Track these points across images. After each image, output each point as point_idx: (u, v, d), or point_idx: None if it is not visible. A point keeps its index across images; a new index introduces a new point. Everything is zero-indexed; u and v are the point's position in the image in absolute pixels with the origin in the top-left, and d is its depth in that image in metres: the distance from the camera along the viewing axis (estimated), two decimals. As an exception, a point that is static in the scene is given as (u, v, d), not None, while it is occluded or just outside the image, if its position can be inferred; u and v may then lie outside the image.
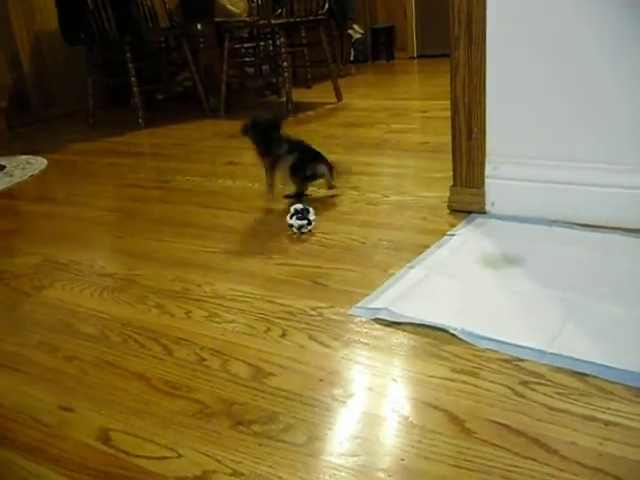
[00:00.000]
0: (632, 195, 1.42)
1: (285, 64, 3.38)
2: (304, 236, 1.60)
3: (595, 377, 0.92)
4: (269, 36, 4.27)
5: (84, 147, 3.18)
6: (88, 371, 1.08)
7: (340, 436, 0.87)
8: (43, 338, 1.21)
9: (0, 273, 1.57)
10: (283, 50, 3.36)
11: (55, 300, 1.38)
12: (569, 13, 1.40)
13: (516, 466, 0.77)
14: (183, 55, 3.73)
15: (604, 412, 0.84)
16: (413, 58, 5.83)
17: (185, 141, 3.07)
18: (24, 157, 2.94)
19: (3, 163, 2.84)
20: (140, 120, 3.48)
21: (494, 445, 0.81)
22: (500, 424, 0.84)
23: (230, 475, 0.80)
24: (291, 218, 1.60)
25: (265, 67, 4.61)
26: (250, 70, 4.50)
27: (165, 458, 0.84)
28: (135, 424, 0.92)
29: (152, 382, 1.02)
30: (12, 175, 2.62)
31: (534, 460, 0.77)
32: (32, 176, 2.60)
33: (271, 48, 4.39)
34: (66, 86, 4.13)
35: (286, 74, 3.40)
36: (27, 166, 2.76)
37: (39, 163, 2.81)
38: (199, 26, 4.09)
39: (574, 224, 1.48)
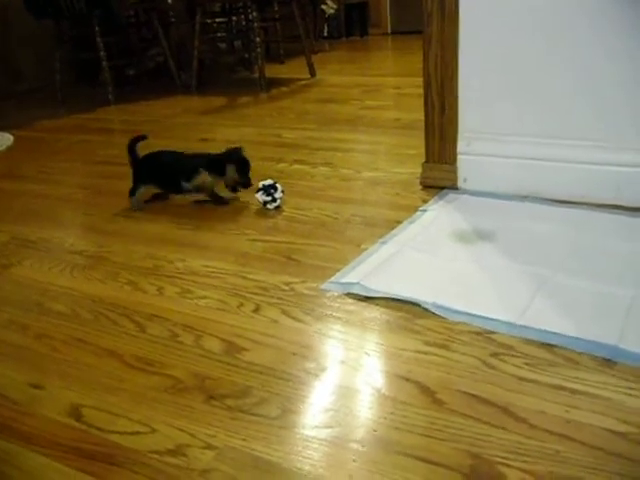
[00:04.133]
0: (603, 171, 1.44)
1: (258, 39, 3.33)
2: (277, 212, 1.59)
3: (563, 348, 0.94)
4: (241, 10, 4.20)
5: (52, 123, 3.11)
6: (59, 349, 1.07)
7: (313, 409, 0.87)
8: (12, 317, 1.19)
9: (-34, 251, 1.54)
10: (255, 25, 3.32)
11: (24, 278, 1.36)
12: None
13: (486, 434, 0.78)
14: (154, 30, 3.66)
15: (571, 381, 0.86)
16: (387, 34, 5.80)
17: (156, 117, 3.02)
18: (-10, 133, 2.87)
19: (-32, 139, 2.76)
20: (110, 96, 3.42)
21: (464, 415, 0.82)
22: (470, 394, 0.86)
23: (204, 448, 0.80)
24: (257, 193, 1.59)
25: (237, 42, 4.55)
26: (222, 45, 4.44)
27: (138, 433, 0.84)
28: (107, 400, 0.91)
29: (124, 358, 1.01)
30: (-23, 152, 2.55)
31: (503, 429, 0.79)
32: (-1, 153, 2.54)
33: (244, 23, 4.33)
34: (33, 61, 4.02)
35: (259, 49, 3.36)
36: (-7, 142, 2.69)
37: (5, 139, 2.74)
38: (170, 0, 4.00)
39: (546, 200, 1.50)
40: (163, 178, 1.72)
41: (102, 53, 3.33)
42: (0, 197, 2.00)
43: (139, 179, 1.73)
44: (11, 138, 2.76)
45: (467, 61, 1.53)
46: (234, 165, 1.65)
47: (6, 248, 1.53)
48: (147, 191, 1.75)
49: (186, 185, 1.67)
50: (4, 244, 1.56)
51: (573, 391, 0.84)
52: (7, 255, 1.49)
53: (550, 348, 0.94)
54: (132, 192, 1.73)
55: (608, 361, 0.90)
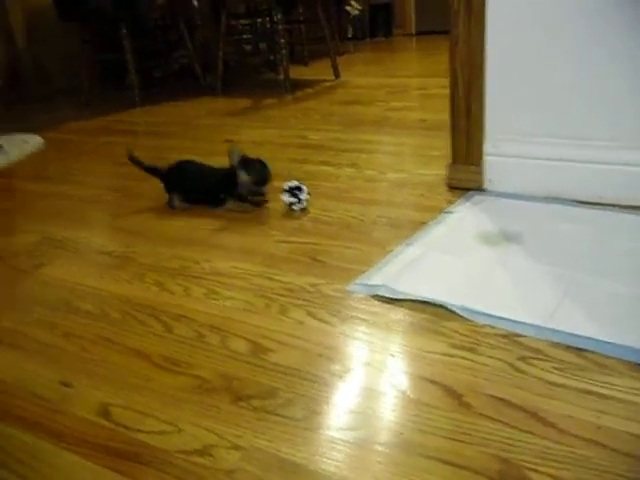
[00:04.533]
0: (631, 172, 1.42)
1: (282, 41, 3.34)
2: (302, 213, 1.60)
3: (592, 352, 0.92)
4: (266, 12, 4.22)
5: (80, 125, 3.16)
6: (87, 348, 1.08)
7: (339, 410, 0.87)
8: (42, 316, 1.21)
9: (-2, 251, 1.57)
10: (280, 27, 3.33)
11: (53, 278, 1.38)
12: (570, -13, 1.39)
13: (513, 439, 0.77)
14: (180, 32, 3.70)
15: (601, 386, 0.85)
16: (412, 35, 5.78)
17: (182, 119, 3.05)
18: (20, 136, 2.92)
19: (0, 142, 2.82)
20: (136, 98, 3.46)
21: (491, 418, 0.81)
22: (498, 398, 0.85)
23: (230, 449, 0.80)
24: (283, 195, 1.60)
25: (262, 44, 4.57)
26: (247, 47, 4.46)
27: (165, 433, 0.85)
28: (135, 399, 0.92)
29: (152, 358, 1.02)
30: (8, 154, 2.60)
31: (532, 433, 0.78)
32: (29, 155, 2.59)
33: (268, 25, 4.34)
34: (61, 63, 4.09)
35: (283, 51, 3.37)
36: (23, 145, 2.74)
37: (35, 142, 2.79)
38: (196, 2, 4.04)
39: (573, 201, 1.48)
40: (196, 192, 1.73)
41: (129, 56, 3.37)
42: (29, 198, 2.03)
43: (172, 188, 1.75)
44: (41, 140, 2.81)
45: (494, 62, 1.52)
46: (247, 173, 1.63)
47: (36, 249, 1.56)
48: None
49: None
50: (34, 244, 1.58)
51: (603, 396, 0.83)
52: (37, 255, 1.51)
53: (579, 352, 0.93)
54: (170, 202, 1.75)
55: (639, 366, 0.88)
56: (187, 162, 1.77)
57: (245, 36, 4.34)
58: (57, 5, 3.44)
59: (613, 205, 1.42)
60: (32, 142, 2.78)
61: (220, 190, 1.67)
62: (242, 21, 4.22)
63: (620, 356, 0.90)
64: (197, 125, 2.91)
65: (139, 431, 0.85)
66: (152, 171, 1.79)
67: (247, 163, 1.64)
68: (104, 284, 1.32)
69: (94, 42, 3.70)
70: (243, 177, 1.63)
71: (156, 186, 1.77)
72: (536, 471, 0.72)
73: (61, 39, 4.01)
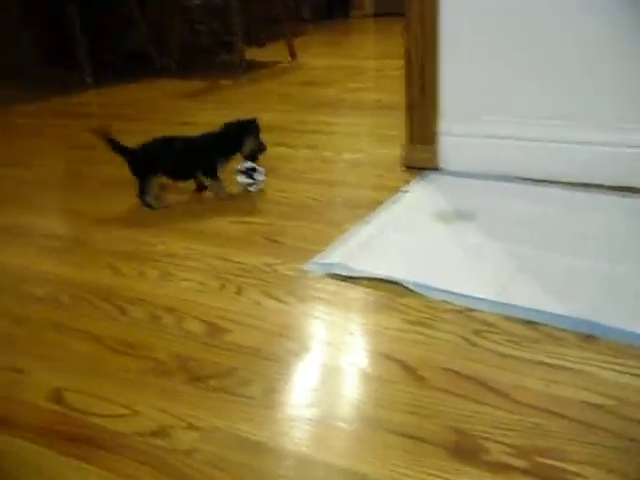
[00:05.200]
0: (582, 150, 1.45)
1: (237, 20, 3.29)
2: (259, 194, 1.59)
3: (544, 325, 0.95)
4: (220, -8, 4.13)
5: (28, 108, 3.05)
6: (38, 333, 1.05)
7: (298, 389, 0.87)
8: (-9, 302, 1.17)
9: (-58, 237, 1.51)
10: (234, 6, 3.27)
11: (3, 264, 1.34)
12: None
13: (468, 410, 0.79)
14: (132, 11, 3.59)
15: (552, 357, 0.87)
16: (369, 16, 5.77)
17: (135, 101, 2.98)
18: (-36, 118, 2.81)
19: (-59, 125, 2.70)
20: (87, 78, 3.36)
21: (447, 391, 0.83)
22: (453, 371, 0.86)
23: (187, 429, 0.79)
24: (238, 176, 1.58)
25: (217, 25, 4.48)
26: (202, 28, 4.37)
27: (121, 416, 0.83)
28: (89, 383, 0.90)
29: (106, 342, 1.00)
30: (-48, 137, 2.50)
31: (486, 404, 0.80)
32: (-27, 138, 2.49)
33: (223, 5, 4.26)
34: (3, 42, 3.93)
35: (238, 32, 3.32)
36: (-32, 127, 2.64)
37: (-20, 124, 2.69)
38: (147, -19, 3.94)
39: (525, 179, 1.50)
40: (179, 166, 1.59)
41: (78, 33, 3.26)
42: (-24, 182, 1.96)
43: (147, 171, 1.56)
44: (-14, 123, 2.70)
45: (448, 42, 1.53)
46: (252, 136, 1.58)
47: (-17, 234, 1.50)
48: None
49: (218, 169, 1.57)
50: (-19, 230, 1.53)
51: (554, 366, 0.85)
52: (-16, 241, 1.46)
53: (532, 325, 0.95)
54: (142, 190, 1.55)
55: (589, 337, 0.91)
56: (165, 137, 1.61)
57: (199, 16, 4.25)
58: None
59: (564, 183, 1.46)
60: (-23, 125, 2.68)
61: (217, 153, 1.57)
62: (196, 1, 4.12)
63: (571, 327, 0.93)
64: (152, 107, 2.85)
65: (94, 415, 0.84)
66: (122, 151, 1.57)
67: (244, 123, 1.58)
68: (55, 269, 1.29)
69: (40, 20, 3.57)
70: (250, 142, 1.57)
71: (109, 169, 1.73)
72: (491, 440, 0.74)
73: (3, 16, 3.85)
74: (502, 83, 1.50)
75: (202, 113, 2.62)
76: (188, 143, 1.59)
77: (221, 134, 1.58)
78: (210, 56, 4.18)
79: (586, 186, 1.42)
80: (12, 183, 1.89)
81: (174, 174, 1.60)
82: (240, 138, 1.57)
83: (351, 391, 0.86)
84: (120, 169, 1.86)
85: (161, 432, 0.79)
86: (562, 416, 0.76)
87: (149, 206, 1.55)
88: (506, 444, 0.73)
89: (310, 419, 0.80)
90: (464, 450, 0.73)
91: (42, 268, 1.29)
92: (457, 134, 1.59)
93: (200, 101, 2.90)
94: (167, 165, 1.57)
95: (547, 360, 0.87)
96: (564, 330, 0.93)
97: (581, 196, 1.39)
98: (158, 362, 0.94)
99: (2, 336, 1.06)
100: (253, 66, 3.49)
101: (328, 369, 0.91)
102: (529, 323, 0.95)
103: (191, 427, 0.80)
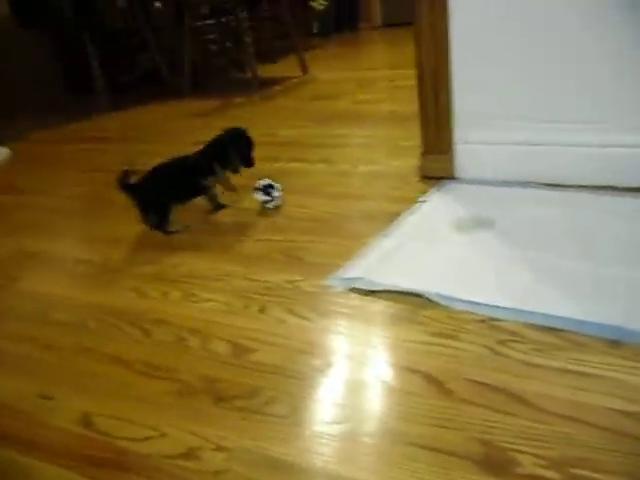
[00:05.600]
0: (599, 153, 1.44)
1: (248, 40, 3.33)
2: (276, 211, 1.60)
3: (569, 332, 0.94)
4: (230, 11, 4.18)
5: (48, 134, 3.11)
6: (66, 358, 1.07)
7: (323, 405, 0.88)
8: (19, 329, 1.20)
9: (-30, 266, 1.54)
10: (245, 25, 3.31)
11: (29, 290, 1.36)
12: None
13: (496, 421, 0.78)
14: (144, 35, 3.65)
15: (578, 364, 0.87)
16: (377, 28, 5.79)
17: (151, 123, 3.03)
18: (-14, 148, 2.87)
19: (-35, 155, 2.76)
20: (104, 104, 3.42)
21: (473, 403, 0.82)
22: (478, 382, 0.86)
23: (215, 450, 0.80)
24: (255, 193, 1.60)
25: (229, 44, 4.54)
26: (213, 47, 4.43)
27: (149, 438, 0.84)
28: (117, 407, 0.91)
29: (132, 365, 1.02)
30: (-25, 167, 2.55)
31: (513, 415, 0.79)
32: (-4, 167, 2.54)
33: (233, 24, 4.31)
34: (23, 72, 4.01)
35: (250, 50, 3.35)
36: (-10, 157, 2.69)
37: (2, 153, 2.74)
38: (158, 4, 4.00)
39: (543, 184, 1.49)
40: (183, 187, 1.60)
41: (94, 61, 3.32)
42: (1, 210, 2.00)
43: (158, 202, 1.55)
44: (8, 151, 2.76)
45: (459, 50, 1.53)
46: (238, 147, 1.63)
47: (10, 261, 1.53)
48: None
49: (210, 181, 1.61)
50: (8, 258, 1.56)
51: (580, 374, 0.85)
52: (11, 268, 1.49)
53: (556, 332, 0.94)
54: (162, 221, 1.54)
55: (614, 342, 0.90)
56: (161, 165, 1.61)
57: (211, 36, 4.31)
58: (16, 13, 3.38)
59: (583, 186, 1.44)
60: (-1, 154, 2.73)
61: (205, 173, 1.60)
62: (207, 21, 4.18)
63: (595, 333, 0.92)
64: (166, 128, 2.89)
65: (123, 438, 0.85)
66: (130, 189, 1.55)
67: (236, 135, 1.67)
68: (80, 293, 1.31)
69: (56, 49, 3.64)
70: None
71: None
72: (519, 451, 0.73)
73: (22, 46, 3.93)
74: (516, 88, 1.50)
75: (216, 131, 2.64)
76: (182, 163, 1.62)
77: (209, 149, 1.64)
78: (223, 75, 4.23)
79: (607, 189, 1.41)
80: (35, 210, 1.93)
81: (182, 197, 1.60)
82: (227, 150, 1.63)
83: (376, 405, 0.86)
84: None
85: (189, 454, 0.80)
86: (591, 425, 0.76)
87: (170, 233, 1.55)
88: (537, 455, 0.72)
89: (336, 435, 0.81)
90: (494, 462, 0.73)
91: (68, 294, 1.31)
92: (473, 142, 1.59)
93: (213, 119, 2.93)
94: (174, 191, 1.58)
95: (573, 367, 0.86)
96: (589, 336, 0.92)
97: (602, 200, 1.38)
98: (184, 384, 0.95)
99: (32, 362, 1.08)
100: (266, 83, 3.52)
101: (352, 384, 0.91)
102: (553, 330, 0.95)
103: (219, 448, 0.80)
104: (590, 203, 1.37)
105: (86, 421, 0.89)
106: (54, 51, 3.61)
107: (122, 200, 1.83)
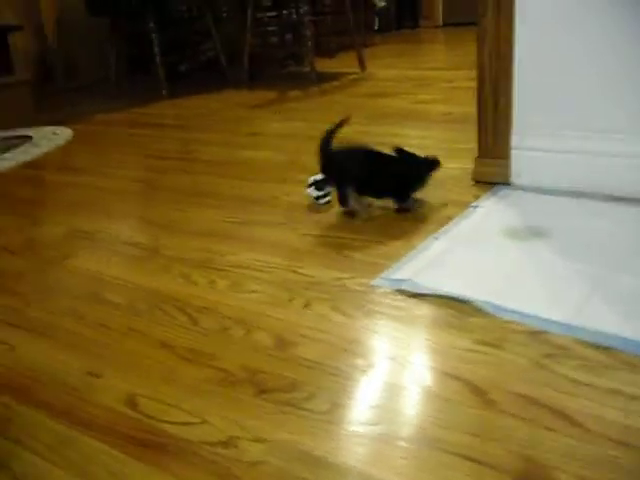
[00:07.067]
0: (663, 167, 1.39)
1: (308, 33, 3.34)
2: (327, 207, 1.60)
3: (620, 350, 0.91)
4: (292, 5, 4.21)
5: (108, 118, 3.20)
6: (115, 338, 1.10)
7: (361, 405, 0.87)
8: (71, 306, 1.23)
9: (28, 242, 1.60)
10: (306, 19, 3.32)
11: (82, 268, 1.40)
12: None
13: (539, 437, 0.77)
14: (206, 24, 3.71)
15: (629, 385, 0.84)
16: (439, 27, 5.72)
17: (208, 111, 3.07)
18: (49, 128, 2.97)
19: (30, 134, 2.87)
20: (163, 91, 3.49)
21: (516, 416, 0.81)
22: (522, 396, 0.84)
23: (253, 441, 0.81)
24: (308, 188, 1.60)
25: (288, 37, 4.56)
26: (273, 40, 4.46)
27: (190, 424, 0.86)
28: (161, 390, 0.93)
29: (177, 350, 1.04)
30: (39, 146, 2.64)
31: (557, 432, 0.77)
32: (58, 147, 2.63)
33: (294, 17, 4.34)
34: (89, 57, 4.14)
35: (309, 43, 3.36)
36: (53, 137, 2.79)
37: (64, 134, 2.83)
38: (222, -5, 4.05)
39: (601, 196, 1.45)
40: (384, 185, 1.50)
41: (156, 49, 3.39)
42: (57, 189, 2.07)
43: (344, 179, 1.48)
44: (70, 132, 2.85)
45: (523, 54, 1.50)
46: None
47: (64, 239, 1.58)
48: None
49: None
50: (62, 236, 1.61)
51: (631, 396, 0.82)
52: (65, 246, 1.54)
53: (606, 350, 0.91)
54: (345, 196, 1.48)
55: (669, 365, 0.87)
56: (364, 149, 1.53)
57: (271, 28, 4.34)
58: (87, 0, 3.48)
59: (644, 201, 1.40)
60: (61, 134, 2.83)
61: (408, 183, 1.51)
62: (268, 13, 4.21)
63: (649, 355, 0.89)
64: (223, 117, 2.92)
65: (165, 422, 0.87)
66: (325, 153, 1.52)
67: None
68: (131, 275, 1.34)
69: (122, 36, 3.74)
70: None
71: (183, 178, 1.78)
72: (561, 470, 0.71)
73: (89, 33, 4.05)
74: (577, 97, 1.46)
75: (272, 124, 2.67)
76: (385, 160, 1.50)
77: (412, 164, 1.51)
78: (281, 67, 4.26)
79: (668, 205, 1.36)
80: (93, 190, 1.99)
81: (366, 189, 1.50)
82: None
83: (414, 410, 0.86)
84: (194, 180, 1.93)
85: (228, 442, 0.81)
86: (640, 449, 0.73)
87: (352, 213, 1.48)
88: (579, 476, 0.70)
89: (372, 436, 0.80)
90: (533, 479, 0.71)
91: (119, 274, 1.35)
92: (530, 148, 1.55)
93: (270, 111, 2.95)
94: (364, 178, 1.48)
95: (624, 389, 0.83)
96: (642, 357, 0.89)
97: (663, 215, 1.33)
98: (227, 373, 0.96)
99: (81, 339, 1.11)
100: (323, 77, 3.52)
101: (392, 386, 0.90)
102: (604, 348, 0.92)
103: (257, 439, 0.81)
104: (651, 219, 1.33)
105: (131, 402, 0.91)
106: (121, 38, 3.70)
107: (177, 186, 1.86)
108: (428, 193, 1.64)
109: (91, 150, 2.58)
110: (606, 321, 0.98)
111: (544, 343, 0.95)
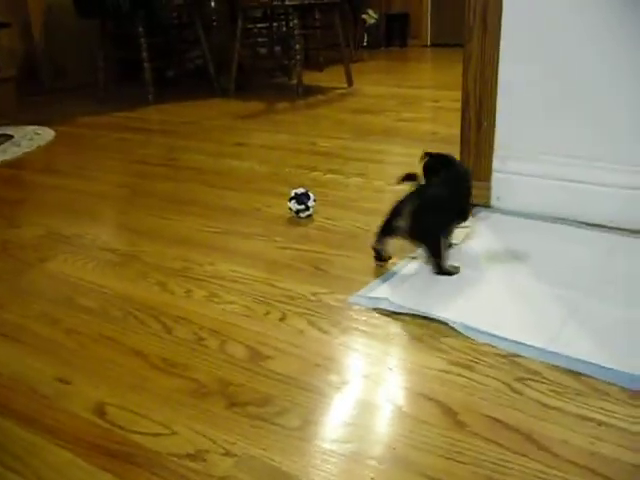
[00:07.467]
0: (637, 195, 1.41)
1: (297, 46, 3.35)
2: (308, 220, 1.60)
3: (591, 377, 0.92)
4: (283, 17, 4.23)
5: (92, 120, 3.17)
6: (86, 345, 1.08)
7: (334, 422, 0.87)
8: (44, 310, 1.22)
9: (4, 243, 1.58)
10: (296, 32, 3.34)
11: (57, 272, 1.39)
12: (590, 11, 1.38)
13: (507, 461, 0.77)
14: (195, 32, 3.71)
15: (598, 412, 0.85)
16: (426, 46, 5.79)
17: (194, 119, 3.06)
18: (32, 127, 2.94)
19: (11, 133, 2.83)
20: (150, 96, 3.47)
21: (486, 439, 0.81)
22: (493, 418, 0.85)
23: (223, 455, 0.80)
24: (290, 201, 1.60)
25: (277, 48, 4.58)
26: (262, 51, 4.47)
27: (159, 435, 0.85)
28: (131, 399, 0.92)
29: (150, 359, 1.03)
30: (19, 145, 2.62)
31: (525, 456, 0.78)
32: (39, 147, 2.60)
33: (284, 29, 4.36)
34: (77, 59, 4.11)
35: (298, 56, 3.38)
36: (35, 137, 2.76)
37: (47, 134, 2.81)
38: (213, 3, 4.06)
39: (579, 222, 1.47)
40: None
41: (144, 54, 3.38)
42: (38, 191, 2.04)
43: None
44: (52, 133, 2.82)
45: (507, 79, 1.52)
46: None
47: (42, 242, 1.56)
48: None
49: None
50: (41, 237, 1.59)
51: (599, 422, 0.83)
52: (43, 249, 1.52)
53: (578, 376, 0.92)
54: (439, 251, 1.24)
55: (637, 394, 0.88)
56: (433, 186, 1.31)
57: (260, 39, 4.35)
58: (76, 2, 3.46)
59: (619, 229, 1.42)
60: (43, 134, 2.80)
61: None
62: (258, 24, 4.23)
63: (620, 383, 0.90)
64: (209, 126, 2.92)
65: (133, 432, 0.85)
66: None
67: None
68: (107, 281, 1.32)
69: (111, 39, 3.72)
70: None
71: (165, 185, 1.77)
72: (528, 495, 0.72)
73: (78, 35, 4.03)
74: (561, 124, 1.48)
75: (257, 134, 2.67)
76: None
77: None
78: (268, 78, 4.27)
79: (643, 234, 1.39)
80: (73, 193, 1.97)
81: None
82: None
83: (386, 429, 0.86)
84: (177, 187, 1.91)
85: (197, 456, 0.80)
86: (606, 477, 0.74)
87: (450, 273, 1.25)
88: (545, 501, 0.71)
89: (343, 454, 0.80)
90: (500, 503, 0.71)
91: (94, 279, 1.33)
92: (512, 172, 1.57)
93: (256, 122, 2.96)
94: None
95: (593, 415, 0.84)
96: (612, 385, 0.90)
97: (636, 242, 1.35)
98: (199, 384, 0.95)
99: (51, 345, 1.09)
100: (310, 91, 3.54)
101: (365, 404, 0.90)
102: (575, 374, 0.93)
103: (227, 453, 0.80)
104: (628, 246, 1.35)
105: (100, 410, 0.90)
106: (109, 41, 3.68)
107: (158, 193, 1.85)
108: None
109: (73, 152, 2.55)
110: (579, 348, 0.99)
111: (516, 367, 0.96)
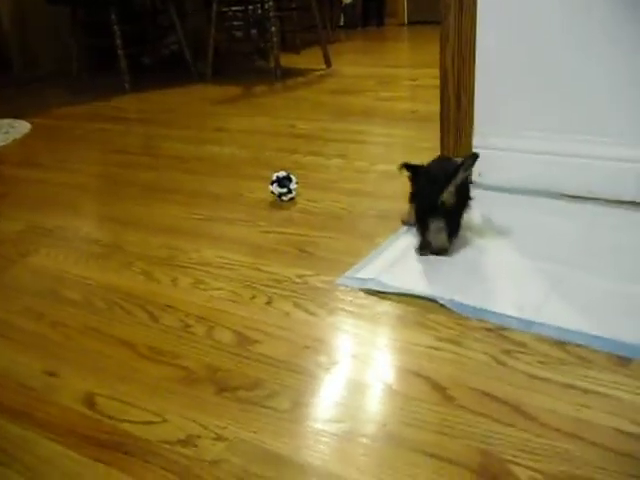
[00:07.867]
0: (617, 167, 1.42)
1: (273, 29, 3.32)
2: (290, 204, 1.60)
3: (577, 346, 0.93)
4: (258, 0, 4.18)
5: (68, 111, 3.12)
6: (73, 337, 1.08)
7: (324, 403, 0.88)
8: (28, 304, 1.20)
9: (-16, 238, 1.56)
10: (271, 14, 3.30)
11: (40, 266, 1.37)
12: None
13: (496, 432, 0.78)
14: (170, 18, 3.65)
15: (583, 380, 0.86)
16: (404, 25, 5.76)
17: (172, 106, 3.03)
18: (6, 120, 2.89)
19: (-15, 126, 2.78)
20: (126, 84, 3.43)
21: (474, 412, 0.82)
22: (481, 391, 0.86)
23: (214, 440, 0.80)
24: (272, 185, 1.59)
25: (254, 31, 4.53)
26: (238, 34, 4.42)
27: (150, 423, 0.85)
28: (120, 389, 0.92)
29: (137, 348, 1.02)
30: (-5, 139, 2.57)
31: (514, 426, 0.79)
32: (15, 140, 2.56)
33: (260, 12, 4.31)
34: (49, 48, 4.03)
35: (274, 39, 3.34)
36: (10, 130, 2.72)
37: (22, 127, 2.76)
38: (187, -13, 4.00)
39: (562, 195, 1.48)
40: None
41: (118, 41, 3.33)
42: (17, 185, 2.01)
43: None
44: (28, 126, 2.78)
45: (484, 55, 1.52)
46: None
47: (22, 236, 1.55)
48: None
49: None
50: (20, 232, 1.57)
51: (585, 390, 0.84)
52: (23, 243, 1.50)
53: (563, 346, 0.94)
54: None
55: (622, 361, 0.89)
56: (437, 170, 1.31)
57: (236, 23, 4.30)
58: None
59: (602, 200, 1.43)
60: (19, 127, 2.75)
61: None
62: (233, 8, 4.17)
63: (604, 349, 0.91)
64: (187, 112, 2.89)
65: (124, 421, 0.85)
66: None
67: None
68: (91, 273, 1.31)
69: (83, 27, 3.66)
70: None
71: (147, 174, 1.75)
72: (517, 464, 0.73)
73: (49, 23, 3.95)
74: (540, 97, 1.49)
75: (236, 119, 2.65)
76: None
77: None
78: (246, 62, 4.23)
79: (628, 205, 1.40)
80: (53, 186, 1.94)
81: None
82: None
83: (377, 407, 0.86)
84: (158, 175, 1.90)
85: (188, 441, 0.81)
86: (593, 443, 0.75)
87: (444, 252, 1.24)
88: (533, 469, 0.72)
89: (335, 434, 0.81)
90: (491, 473, 0.72)
91: (78, 272, 1.32)
92: (492, 147, 1.57)
93: (234, 107, 2.93)
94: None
95: (578, 383, 0.85)
96: (597, 352, 0.91)
97: (619, 213, 1.37)
98: (188, 371, 0.95)
99: (38, 338, 1.08)
100: (288, 73, 3.51)
101: (355, 384, 0.91)
102: (561, 344, 0.94)
103: (218, 438, 0.81)
104: (609, 217, 1.36)
105: (89, 401, 0.90)
106: (81, 29, 3.62)
107: (140, 182, 1.84)
108: (392, 189, 1.65)
109: (51, 144, 2.52)
110: (564, 318, 1.00)
111: (503, 339, 0.97)
